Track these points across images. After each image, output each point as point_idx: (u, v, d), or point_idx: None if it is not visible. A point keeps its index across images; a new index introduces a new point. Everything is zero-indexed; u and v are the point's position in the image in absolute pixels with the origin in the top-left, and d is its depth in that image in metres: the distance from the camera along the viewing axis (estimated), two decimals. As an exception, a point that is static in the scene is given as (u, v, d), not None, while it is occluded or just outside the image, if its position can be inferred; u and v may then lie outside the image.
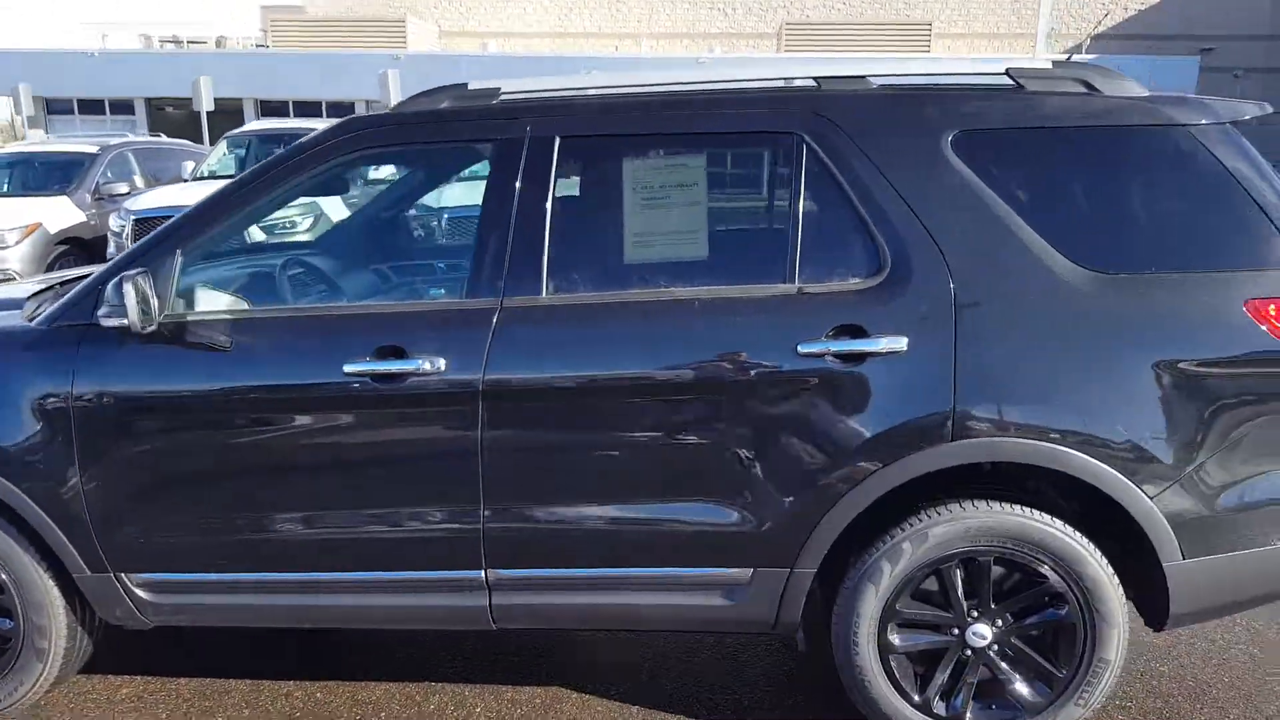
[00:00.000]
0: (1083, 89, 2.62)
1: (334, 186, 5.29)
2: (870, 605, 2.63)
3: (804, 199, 2.61)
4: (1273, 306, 2.47)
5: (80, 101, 29.84)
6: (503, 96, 2.79)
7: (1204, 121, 2.56)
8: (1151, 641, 3.32)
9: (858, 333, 2.51)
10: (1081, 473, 2.49)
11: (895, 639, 2.67)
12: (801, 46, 30.45)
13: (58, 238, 9.95)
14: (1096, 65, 2.70)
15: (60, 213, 10.12)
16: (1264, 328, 2.46)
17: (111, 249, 9.50)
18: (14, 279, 8.37)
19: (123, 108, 29.97)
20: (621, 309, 2.63)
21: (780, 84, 2.77)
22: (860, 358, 2.51)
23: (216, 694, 3.10)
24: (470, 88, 2.83)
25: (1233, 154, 2.54)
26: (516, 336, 2.60)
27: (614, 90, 2.79)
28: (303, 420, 2.66)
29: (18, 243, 9.58)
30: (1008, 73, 2.66)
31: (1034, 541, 2.55)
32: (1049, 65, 2.67)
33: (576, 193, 2.83)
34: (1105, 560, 2.58)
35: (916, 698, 2.68)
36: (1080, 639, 2.61)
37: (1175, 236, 2.59)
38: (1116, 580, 2.59)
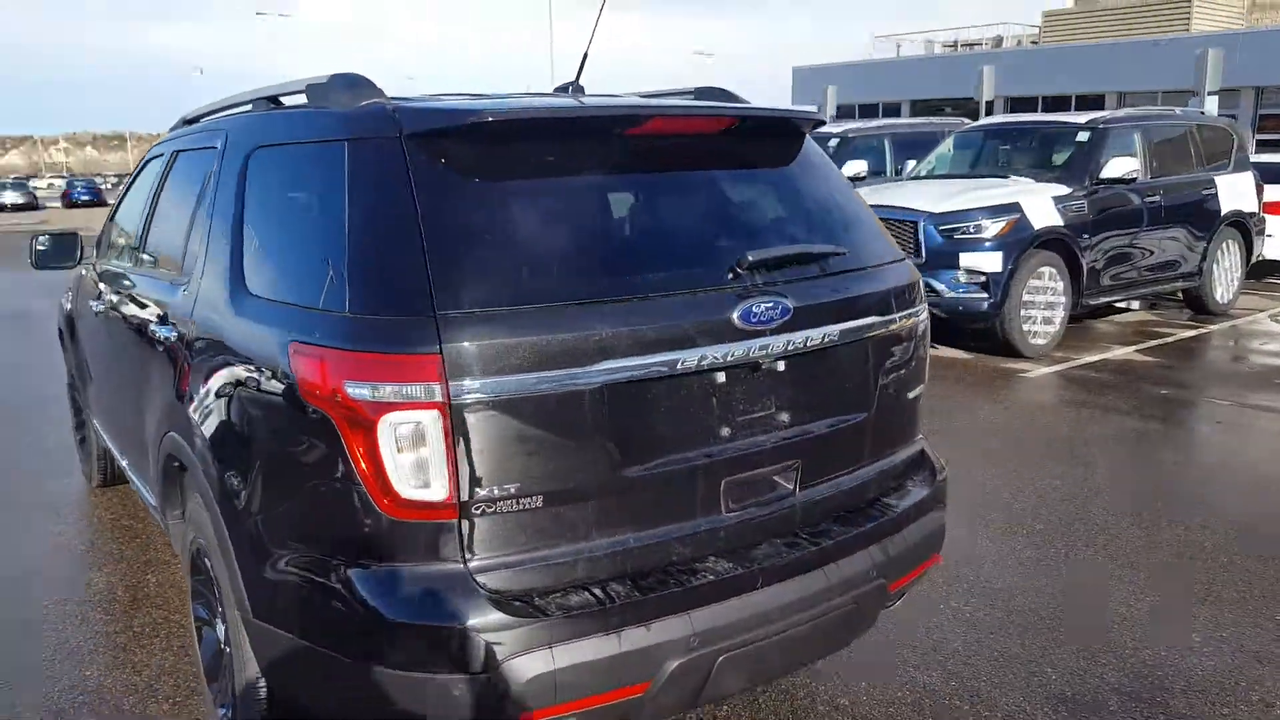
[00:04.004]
0: (313, 105, 2.48)
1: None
2: None
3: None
4: (307, 363, 2.05)
5: (860, 106, 32.23)
6: None
7: (355, 136, 2.21)
8: None
9: None
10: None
11: None
12: None
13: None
14: (345, 74, 2.39)
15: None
16: (296, 380, 2.08)
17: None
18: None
19: (891, 110, 31.54)
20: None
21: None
22: None
23: None
24: None
25: (369, 175, 2.15)
26: None
27: None
28: None
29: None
30: (306, 90, 2.53)
31: None
32: (326, 78, 2.42)
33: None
34: None
35: None
36: None
37: (300, 258, 2.36)
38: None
